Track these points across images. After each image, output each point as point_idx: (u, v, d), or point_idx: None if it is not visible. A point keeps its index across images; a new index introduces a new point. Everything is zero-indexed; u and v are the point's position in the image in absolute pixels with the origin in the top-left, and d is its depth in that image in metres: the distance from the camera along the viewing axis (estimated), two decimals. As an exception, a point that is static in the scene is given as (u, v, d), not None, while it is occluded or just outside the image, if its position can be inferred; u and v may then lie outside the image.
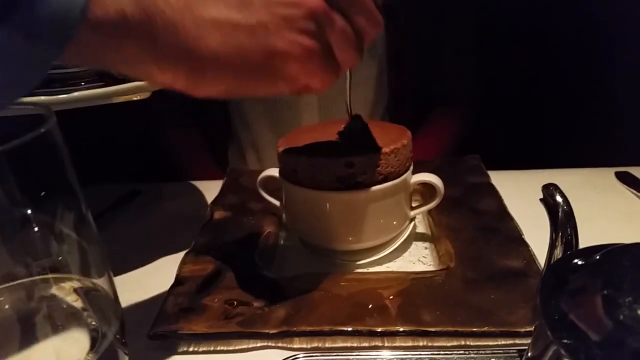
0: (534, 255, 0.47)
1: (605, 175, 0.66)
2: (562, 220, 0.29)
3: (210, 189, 0.65)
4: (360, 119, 0.49)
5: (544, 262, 0.31)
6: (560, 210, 0.29)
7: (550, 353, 0.22)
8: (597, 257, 0.25)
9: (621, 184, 0.64)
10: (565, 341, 0.21)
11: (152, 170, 0.81)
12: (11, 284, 0.27)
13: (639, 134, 0.91)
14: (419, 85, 0.90)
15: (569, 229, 0.29)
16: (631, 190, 0.62)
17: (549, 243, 0.30)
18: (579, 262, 0.25)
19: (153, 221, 0.62)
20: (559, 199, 0.30)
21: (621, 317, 0.21)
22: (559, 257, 0.29)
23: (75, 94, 0.43)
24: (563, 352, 0.20)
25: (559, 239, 0.29)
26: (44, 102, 0.41)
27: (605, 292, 0.22)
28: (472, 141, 0.89)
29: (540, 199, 0.30)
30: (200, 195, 0.68)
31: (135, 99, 0.45)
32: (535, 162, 0.68)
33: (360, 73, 0.84)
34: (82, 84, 0.45)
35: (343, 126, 0.50)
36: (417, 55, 0.88)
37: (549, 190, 0.30)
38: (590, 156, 0.68)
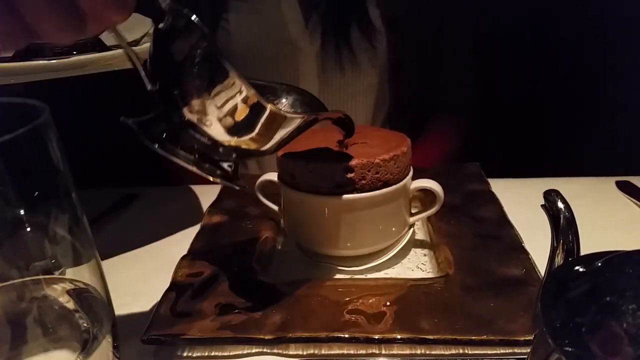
0: (534, 263, 0.47)
1: (606, 185, 0.65)
2: (563, 227, 0.29)
3: (208, 194, 0.65)
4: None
5: (544, 269, 0.31)
6: (561, 216, 0.29)
7: (551, 361, 0.21)
8: (599, 264, 0.24)
9: (622, 193, 0.63)
10: (567, 349, 0.20)
11: (149, 174, 0.80)
12: (2, 284, 0.26)
13: (639, 143, 0.91)
14: (419, 93, 0.90)
15: (570, 236, 0.29)
16: (632, 199, 0.61)
17: (550, 250, 0.29)
18: (581, 269, 0.25)
19: (149, 225, 0.62)
20: (560, 205, 0.29)
21: (624, 324, 0.20)
22: (560, 264, 0.28)
23: (70, 59, 0.42)
24: (565, 360, 0.20)
25: (560, 246, 0.29)
26: (36, 67, 0.41)
27: (607, 299, 0.21)
28: (472, 149, 0.88)
29: (542, 205, 0.30)
30: (197, 199, 0.67)
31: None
32: (535, 170, 0.68)
33: (362, 81, 0.85)
34: (74, 53, 0.45)
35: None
36: (418, 64, 0.88)
37: (551, 197, 0.30)
38: (590, 165, 0.68)
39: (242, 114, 0.34)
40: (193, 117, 0.35)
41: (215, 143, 0.36)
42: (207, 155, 0.37)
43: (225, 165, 0.38)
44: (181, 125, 0.35)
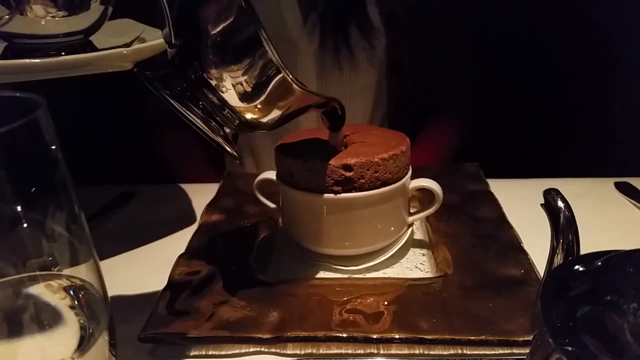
0: (533, 263, 0.47)
1: (605, 186, 0.65)
2: (563, 226, 0.29)
3: (206, 192, 0.64)
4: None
5: (543, 269, 0.31)
6: (561, 215, 0.29)
7: (551, 361, 0.21)
8: (599, 263, 0.24)
9: (620, 194, 0.63)
10: (568, 348, 0.20)
11: (147, 172, 0.80)
12: (-1, 281, 0.26)
13: (638, 145, 0.91)
14: (417, 93, 0.90)
15: (570, 235, 0.29)
16: (630, 200, 0.61)
17: (550, 249, 0.29)
18: (581, 268, 0.25)
19: (147, 223, 0.62)
20: (560, 204, 0.29)
21: (625, 323, 0.20)
22: (560, 263, 0.28)
23: (53, 59, 0.41)
24: (565, 360, 0.20)
25: (560, 245, 0.29)
26: (26, 65, 0.40)
27: (608, 298, 0.21)
28: (471, 149, 0.88)
29: (542, 204, 0.30)
30: (195, 198, 0.67)
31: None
32: (534, 171, 0.67)
33: (360, 81, 0.84)
34: (63, 54, 0.44)
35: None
36: (416, 63, 0.88)
37: (551, 195, 0.30)
38: (589, 166, 0.68)
39: (257, 80, 0.35)
40: (209, 77, 0.35)
41: (224, 105, 0.37)
42: (212, 115, 0.37)
43: (226, 130, 0.38)
44: (196, 82, 0.36)
